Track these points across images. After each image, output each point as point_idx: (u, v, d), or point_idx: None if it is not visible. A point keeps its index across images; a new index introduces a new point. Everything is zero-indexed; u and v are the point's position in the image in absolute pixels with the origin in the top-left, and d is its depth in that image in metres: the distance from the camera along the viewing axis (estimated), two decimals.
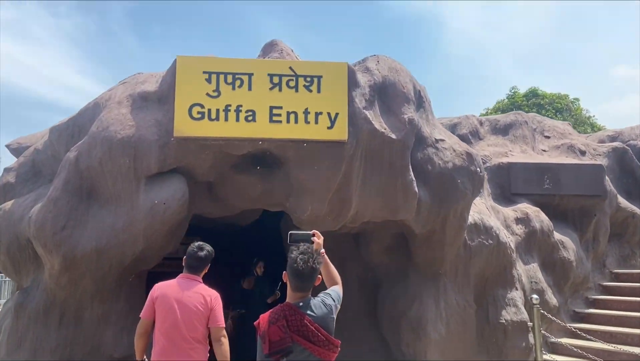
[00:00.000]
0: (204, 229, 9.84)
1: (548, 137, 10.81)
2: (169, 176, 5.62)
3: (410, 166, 6.04)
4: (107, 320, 5.62)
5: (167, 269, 10.31)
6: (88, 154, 5.51)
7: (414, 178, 6.07)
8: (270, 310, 2.74)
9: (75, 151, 5.60)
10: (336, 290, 2.93)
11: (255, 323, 2.74)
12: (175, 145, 5.52)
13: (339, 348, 2.69)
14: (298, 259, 2.70)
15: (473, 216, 7.03)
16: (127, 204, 5.51)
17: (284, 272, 2.80)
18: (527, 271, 7.74)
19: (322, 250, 2.94)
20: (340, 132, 5.64)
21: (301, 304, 2.69)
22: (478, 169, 6.59)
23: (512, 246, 7.41)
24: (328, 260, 3.01)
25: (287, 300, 2.76)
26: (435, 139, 6.56)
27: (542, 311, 6.91)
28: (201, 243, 3.97)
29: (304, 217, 5.87)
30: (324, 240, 3.00)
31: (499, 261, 7.20)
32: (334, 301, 2.82)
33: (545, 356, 6.82)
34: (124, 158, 5.44)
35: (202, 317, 3.71)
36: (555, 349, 7.38)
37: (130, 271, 5.71)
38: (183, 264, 3.92)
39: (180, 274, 3.90)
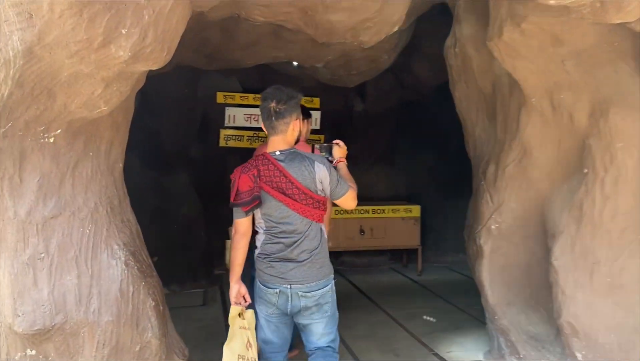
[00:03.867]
0: None
1: None
2: None
3: None
4: None
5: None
6: None
7: None
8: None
9: None
10: (336, 172, 2.62)
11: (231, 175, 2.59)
12: None
13: (325, 205, 2.57)
14: (266, 92, 2.56)
15: None
16: None
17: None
18: None
19: (343, 161, 2.85)
20: None
21: (278, 153, 2.53)
22: None
23: None
24: (347, 172, 2.77)
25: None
26: None
27: None
28: None
29: None
30: None
31: None
32: (323, 164, 2.55)
33: None
34: None
35: None
36: None
37: None
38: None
39: None
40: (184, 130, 6.11)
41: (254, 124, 6.77)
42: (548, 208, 3.69)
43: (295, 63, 5.10)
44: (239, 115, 6.72)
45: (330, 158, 2.84)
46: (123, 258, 2.38)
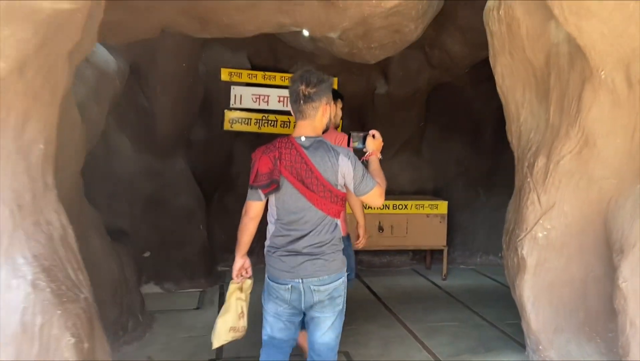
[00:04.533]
0: None
1: None
2: None
3: None
4: None
5: None
6: None
7: None
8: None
9: None
10: (362, 166, 2.50)
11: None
12: None
13: (343, 202, 2.50)
14: (296, 74, 2.48)
15: None
16: None
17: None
18: None
19: (376, 154, 2.73)
20: None
21: (303, 139, 2.45)
22: None
23: None
24: (377, 167, 2.66)
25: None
26: None
27: None
28: None
29: None
30: None
31: None
32: (348, 158, 2.44)
33: None
34: None
35: None
36: None
37: None
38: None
39: None
40: (183, 110, 5.48)
41: (262, 106, 6.12)
42: (614, 213, 2.94)
43: (305, 33, 4.36)
44: (247, 95, 6.08)
45: (364, 149, 2.74)
46: (30, 277, 1.70)
